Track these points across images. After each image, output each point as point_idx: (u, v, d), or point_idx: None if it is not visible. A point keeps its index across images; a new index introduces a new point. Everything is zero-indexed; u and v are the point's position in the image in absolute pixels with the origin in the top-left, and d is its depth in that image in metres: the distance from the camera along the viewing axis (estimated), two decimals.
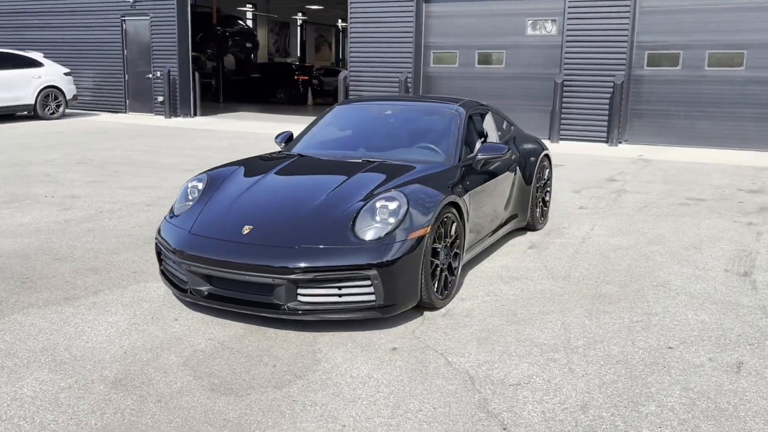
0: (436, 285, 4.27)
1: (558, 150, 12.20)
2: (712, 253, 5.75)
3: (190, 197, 4.56)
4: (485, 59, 14.10)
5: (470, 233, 4.87)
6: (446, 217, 4.35)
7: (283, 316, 3.89)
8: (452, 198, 4.41)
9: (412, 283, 4.02)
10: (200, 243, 4.05)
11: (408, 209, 4.04)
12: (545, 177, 6.56)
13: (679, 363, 3.62)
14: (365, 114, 5.78)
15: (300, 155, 5.24)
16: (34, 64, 15.96)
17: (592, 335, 3.98)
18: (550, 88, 13.21)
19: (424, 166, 4.84)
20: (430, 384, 3.36)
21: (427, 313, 4.29)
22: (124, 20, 17.71)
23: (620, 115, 12.73)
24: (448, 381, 3.39)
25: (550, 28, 13.37)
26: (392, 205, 4.06)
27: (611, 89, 12.67)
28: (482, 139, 5.85)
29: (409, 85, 14.32)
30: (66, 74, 16.47)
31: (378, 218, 4.02)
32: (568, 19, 13.00)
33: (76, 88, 17.14)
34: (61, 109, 16.36)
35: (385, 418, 3.03)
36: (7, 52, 15.87)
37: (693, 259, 5.57)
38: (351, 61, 15.09)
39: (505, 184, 5.66)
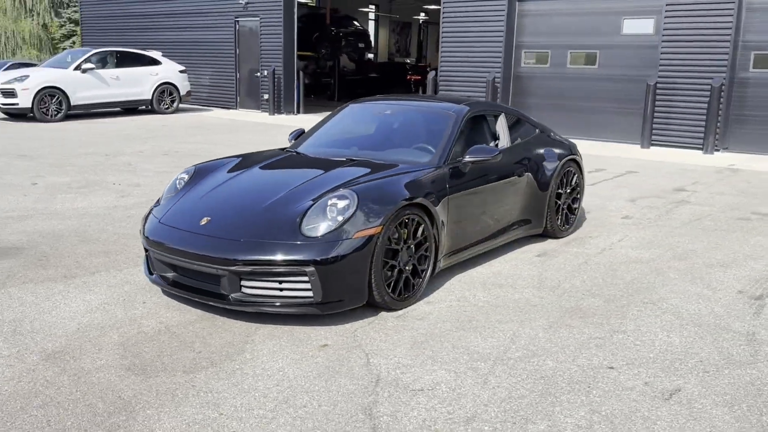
0: (392, 286, 4.25)
1: (644, 156, 11.55)
2: (738, 272, 5.27)
3: (178, 188, 4.82)
4: (578, 59, 13.56)
5: (450, 237, 4.78)
6: (408, 218, 4.31)
7: (227, 306, 4.04)
8: (417, 200, 4.36)
9: (358, 283, 4.04)
10: (164, 232, 4.29)
11: (357, 208, 4.06)
12: (572, 183, 6.26)
13: (608, 384, 3.39)
14: (370, 113, 5.82)
15: (295, 152, 5.38)
16: (153, 62, 17.24)
17: (536, 348, 3.81)
18: (644, 91, 12.49)
19: (405, 166, 4.81)
20: (334, 382, 3.37)
21: (382, 314, 4.28)
22: (238, 21, 18.71)
23: (718, 121, 11.81)
24: (354, 381, 3.40)
25: (647, 27, 12.64)
26: (342, 203, 4.09)
27: (709, 93, 11.78)
28: (495, 141, 5.72)
29: (497, 85, 14.08)
30: (181, 72, 17.66)
31: (328, 216, 4.06)
32: (666, 17, 12.23)
33: (192, 85, 18.34)
34: (175, 104, 17.56)
35: (265, 410, 3.10)
36: (130, 51, 17.28)
37: (711, 277, 5.14)
38: (442, 61, 15.06)
39: (510, 188, 5.49)
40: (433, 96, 5.73)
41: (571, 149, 6.34)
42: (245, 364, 3.55)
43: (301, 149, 5.45)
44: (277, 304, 3.96)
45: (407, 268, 4.36)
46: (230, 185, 4.64)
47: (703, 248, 5.94)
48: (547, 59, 13.93)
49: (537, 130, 6.25)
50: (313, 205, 4.13)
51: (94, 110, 16.62)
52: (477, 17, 14.34)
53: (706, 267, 5.40)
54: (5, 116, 16.27)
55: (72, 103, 15.68)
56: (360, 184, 4.34)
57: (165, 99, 17.36)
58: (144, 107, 17.34)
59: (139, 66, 16.96)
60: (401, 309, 4.35)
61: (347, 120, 5.79)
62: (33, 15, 45.65)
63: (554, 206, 5.97)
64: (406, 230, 4.32)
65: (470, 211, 5.02)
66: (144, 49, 17.89)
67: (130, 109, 17.40)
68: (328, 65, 24.83)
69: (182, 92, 17.67)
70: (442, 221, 4.65)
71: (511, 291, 4.77)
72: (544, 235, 6.10)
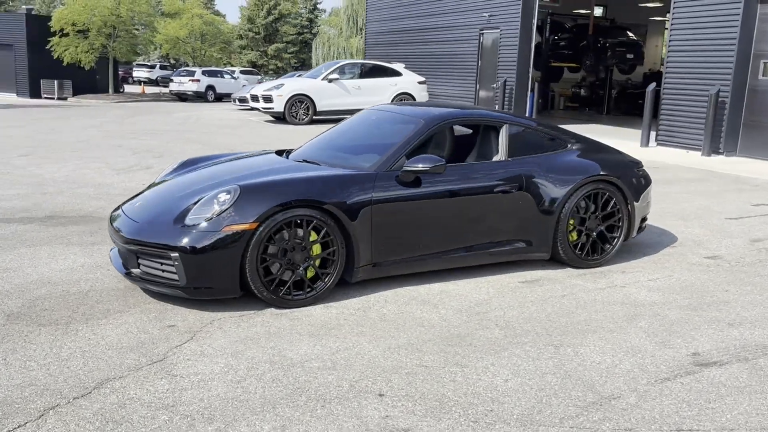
0: (284, 284, 4.35)
1: None
2: (733, 334, 4.17)
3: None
4: None
5: (375, 247, 4.62)
6: (301, 220, 4.34)
7: (129, 280, 4.56)
8: (325, 204, 4.35)
9: (229, 275, 4.22)
10: (116, 213, 4.97)
11: (233, 203, 4.24)
12: (606, 208, 5.44)
13: (345, 408, 3.14)
14: (369, 120, 5.78)
15: (278, 154, 5.63)
16: (395, 73, 18.52)
17: (344, 363, 3.62)
18: None
19: (345, 170, 4.79)
20: (122, 355, 3.66)
21: (269, 310, 4.38)
22: (482, 34, 19.06)
23: None
24: (138, 358, 3.63)
25: None
26: (223, 197, 4.32)
27: None
28: (496, 154, 5.33)
29: (722, 99, 12.23)
30: (420, 83, 18.65)
31: (212, 208, 4.31)
32: None
33: (432, 95, 19.23)
34: None
35: (37, 362, 3.54)
36: (376, 64, 18.81)
37: (687, 334, 4.16)
38: (666, 72, 13.54)
39: (486, 203, 5.03)
40: (436, 102, 5.42)
41: (616, 171, 5.50)
42: (88, 328, 4.03)
43: (294, 152, 5.70)
44: (159, 283, 4.36)
45: (300, 270, 4.41)
46: (185, 176, 5.15)
47: (743, 303, 4.74)
48: None
49: (569, 145, 5.58)
50: (206, 196, 4.44)
51: (340, 116, 18.46)
52: (707, 23, 12.61)
53: (705, 322, 4.35)
54: (272, 118, 19.00)
55: (317, 109, 17.67)
56: (254, 181, 4.50)
57: None
58: None
59: (381, 77, 18.37)
60: (289, 308, 4.41)
61: (349, 126, 5.85)
62: (362, 33, 51.67)
63: (566, 231, 5.29)
64: (298, 230, 4.37)
65: (412, 224, 4.77)
66: (388, 62, 19.28)
67: None
68: (601, 77, 23.72)
69: None
70: (361, 230, 4.54)
71: (427, 310, 4.47)
72: (559, 262, 5.44)
